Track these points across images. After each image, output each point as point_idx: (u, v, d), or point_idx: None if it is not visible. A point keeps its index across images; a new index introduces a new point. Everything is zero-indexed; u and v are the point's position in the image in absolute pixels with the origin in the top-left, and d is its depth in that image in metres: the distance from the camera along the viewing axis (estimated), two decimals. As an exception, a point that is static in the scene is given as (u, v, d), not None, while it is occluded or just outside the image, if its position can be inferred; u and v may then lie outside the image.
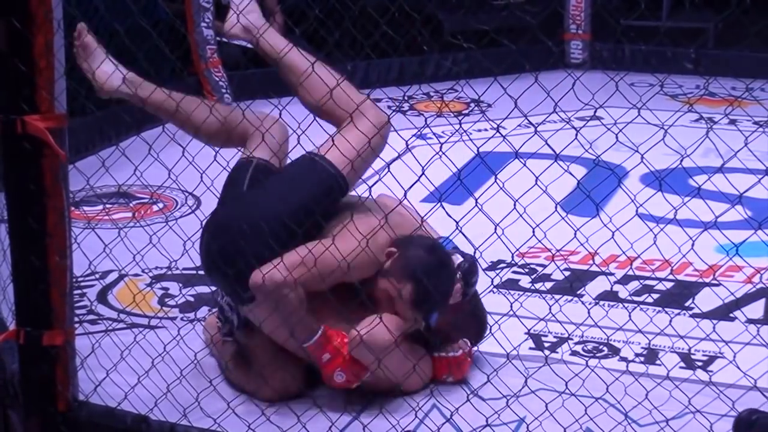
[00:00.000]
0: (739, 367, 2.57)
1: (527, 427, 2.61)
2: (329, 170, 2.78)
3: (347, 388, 2.72)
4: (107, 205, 4.08)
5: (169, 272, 3.46)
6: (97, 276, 3.49)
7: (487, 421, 2.56)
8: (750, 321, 3.21)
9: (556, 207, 2.76)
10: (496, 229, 2.68)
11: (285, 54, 2.90)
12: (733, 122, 4.76)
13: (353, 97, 2.82)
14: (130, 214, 4.13)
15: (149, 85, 3.02)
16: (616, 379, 2.76)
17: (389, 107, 5.56)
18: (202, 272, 3.37)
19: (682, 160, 2.79)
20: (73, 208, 2.65)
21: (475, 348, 2.96)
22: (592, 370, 2.83)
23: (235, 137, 2.97)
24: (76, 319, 2.75)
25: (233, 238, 2.71)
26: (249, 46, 5.94)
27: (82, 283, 3.46)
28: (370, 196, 2.68)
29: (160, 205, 4.34)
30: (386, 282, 2.74)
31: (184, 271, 3.43)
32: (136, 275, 3.47)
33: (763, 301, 3.37)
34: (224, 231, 2.76)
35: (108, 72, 2.99)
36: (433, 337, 2.84)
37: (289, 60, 2.92)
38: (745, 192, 2.39)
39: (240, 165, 2.93)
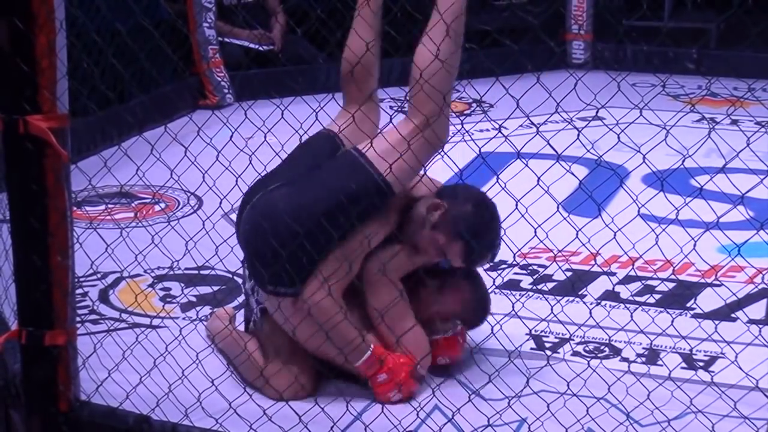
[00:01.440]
0: (740, 368, 2.57)
1: (529, 428, 2.60)
2: (375, 177, 2.71)
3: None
4: (109, 205, 4.08)
5: (171, 272, 3.46)
6: (99, 276, 3.49)
7: (488, 421, 2.56)
8: (751, 321, 3.21)
9: (558, 207, 2.75)
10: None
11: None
12: (735, 122, 4.75)
13: (436, 100, 2.70)
14: (132, 214, 4.14)
15: None
16: (618, 379, 2.77)
17: (391, 107, 5.56)
18: (204, 272, 3.39)
19: (683, 161, 2.78)
20: (75, 208, 2.65)
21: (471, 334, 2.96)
22: (594, 371, 2.83)
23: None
24: (78, 319, 2.75)
25: (274, 225, 2.69)
26: (252, 46, 5.93)
27: (84, 283, 3.46)
28: None
29: (162, 205, 4.34)
30: (436, 235, 2.78)
31: (186, 271, 3.43)
32: (138, 275, 3.47)
33: (764, 301, 3.37)
34: (268, 214, 2.73)
35: None
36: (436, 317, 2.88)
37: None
38: (747, 192, 2.39)
39: (320, 136, 2.92)
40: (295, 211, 2.68)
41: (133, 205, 4.30)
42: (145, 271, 3.46)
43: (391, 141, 2.67)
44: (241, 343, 2.85)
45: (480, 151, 2.74)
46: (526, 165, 2.74)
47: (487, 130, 4.93)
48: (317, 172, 2.78)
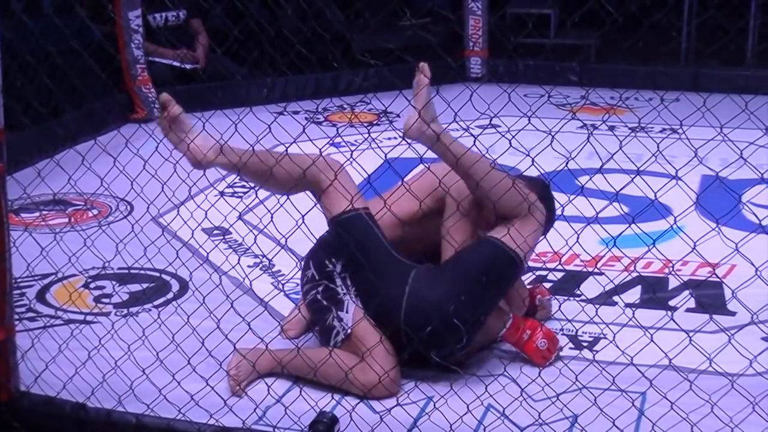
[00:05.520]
0: (618, 346, 2.63)
1: (434, 405, 2.63)
2: (515, 258, 2.78)
3: (551, 355, 2.86)
4: (44, 212, 4.02)
5: (104, 272, 3.42)
6: (37, 278, 3.44)
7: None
8: (628, 305, 3.29)
9: (457, 206, 2.80)
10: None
11: (462, 156, 2.77)
12: (611, 128, 4.85)
13: (520, 199, 2.80)
14: (66, 220, 4.08)
15: (239, 150, 2.81)
16: (512, 360, 2.82)
17: (306, 119, 5.58)
18: (134, 271, 3.36)
19: (567, 163, 2.84)
20: (11, 215, 2.61)
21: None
22: (492, 351, 2.87)
23: (307, 184, 2.86)
24: (16, 316, 2.71)
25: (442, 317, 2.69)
26: (176, 64, 5.88)
27: (22, 284, 3.41)
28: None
29: (95, 211, 4.29)
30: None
31: (118, 271, 3.40)
32: (73, 276, 3.42)
33: (638, 287, 3.45)
34: (429, 310, 2.70)
35: (205, 145, 2.78)
36: None
37: (466, 160, 2.79)
38: (620, 190, 2.45)
39: (358, 219, 2.82)
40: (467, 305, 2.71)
41: (67, 211, 4.24)
42: (79, 272, 3.42)
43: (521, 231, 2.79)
44: (332, 362, 2.71)
45: (386, 157, 2.77)
46: (428, 168, 2.78)
47: (394, 138, 4.96)
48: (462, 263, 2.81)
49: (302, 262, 3.01)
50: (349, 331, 2.75)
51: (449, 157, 2.79)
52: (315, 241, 2.96)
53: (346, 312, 2.78)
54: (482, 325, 2.78)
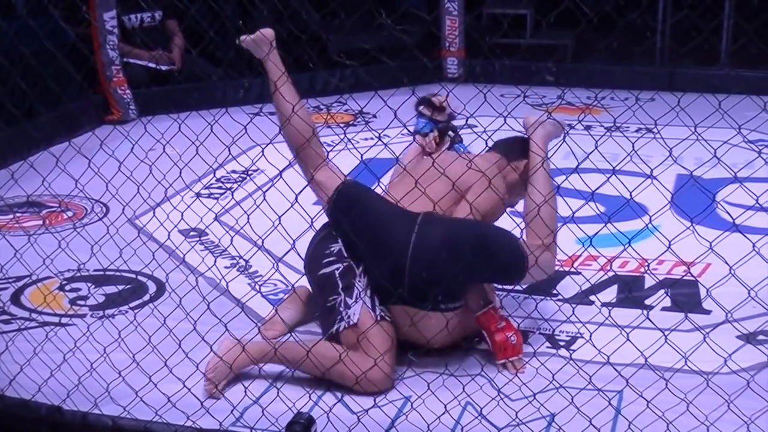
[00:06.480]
0: (594, 345, 2.63)
1: (411, 405, 2.63)
2: (523, 256, 2.81)
3: (512, 356, 2.84)
4: (18, 214, 3.99)
5: (79, 274, 3.40)
6: (11, 280, 3.42)
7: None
8: (604, 304, 3.30)
9: (434, 205, 2.81)
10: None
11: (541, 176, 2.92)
12: (588, 128, 4.87)
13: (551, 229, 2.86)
14: (41, 222, 4.05)
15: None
16: (489, 360, 2.83)
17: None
18: (110, 273, 3.34)
19: (543, 162, 2.86)
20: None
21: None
22: (469, 351, 2.88)
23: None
24: (-10, 319, 2.70)
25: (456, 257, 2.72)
26: (152, 65, 5.87)
27: (-4, 287, 3.39)
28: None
29: (71, 213, 4.27)
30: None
31: (94, 273, 3.38)
32: (48, 278, 3.40)
33: (615, 287, 3.47)
34: (442, 245, 2.75)
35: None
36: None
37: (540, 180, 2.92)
38: (596, 190, 2.46)
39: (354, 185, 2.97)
40: (474, 247, 2.73)
41: (42, 213, 4.21)
42: (54, 274, 3.40)
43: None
44: (329, 346, 2.75)
45: (362, 157, 2.77)
46: (404, 169, 2.78)
47: (371, 138, 4.96)
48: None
49: (317, 238, 3.00)
50: (355, 320, 2.75)
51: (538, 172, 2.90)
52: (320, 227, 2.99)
53: (355, 301, 2.78)
54: (471, 283, 2.79)
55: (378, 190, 2.97)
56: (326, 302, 2.84)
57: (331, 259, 2.88)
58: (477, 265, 2.72)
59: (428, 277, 2.71)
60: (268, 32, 3.04)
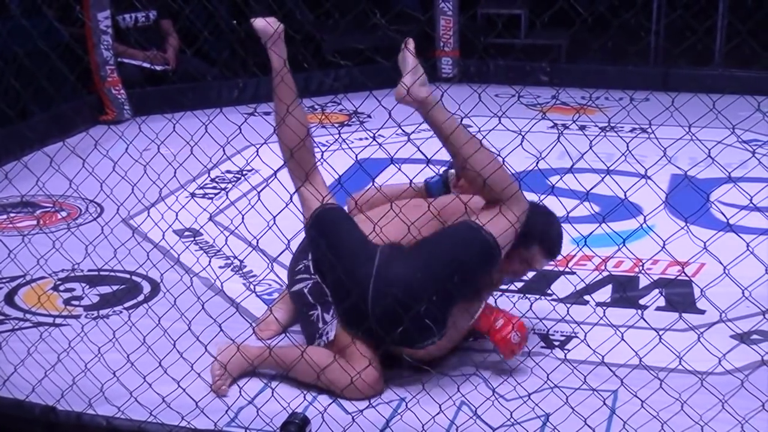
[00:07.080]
0: (589, 345, 2.63)
1: (406, 405, 2.63)
2: (491, 241, 2.72)
3: (514, 352, 2.83)
4: (12, 214, 3.98)
5: (73, 274, 3.40)
6: (5, 280, 3.41)
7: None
8: (599, 304, 3.30)
9: (429, 206, 2.80)
10: (374, 227, 2.72)
11: (451, 132, 2.73)
12: (582, 128, 4.88)
13: (509, 182, 2.75)
14: (35, 222, 4.05)
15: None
16: (485, 359, 2.83)
17: (276, 120, 5.56)
18: (104, 273, 3.33)
19: (537, 162, 2.85)
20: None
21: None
22: (464, 351, 2.87)
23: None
24: (-16, 320, 2.69)
25: (409, 296, 2.66)
26: (146, 65, 5.85)
27: (-10, 287, 3.38)
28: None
29: (65, 213, 4.26)
30: (517, 252, 2.84)
31: (88, 273, 3.38)
32: (42, 278, 3.39)
33: (609, 286, 3.47)
34: (400, 290, 2.68)
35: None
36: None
37: (456, 138, 2.75)
38: (590, 190, 2.46)
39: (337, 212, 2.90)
40: (434, 283, 2.67)
41: (36, 213, 4.21)
42: (48, 274, 3.39)
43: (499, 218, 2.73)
44: (322, 351, 2.76)
45: (357, 157, 2.76)
46: (399, 169, 2.78)
47: (366, 138, 4.96)
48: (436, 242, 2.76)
49: (297, 251, 3.02)
50: (332, 337, 2.76)
51: (442, 128, 2.74)
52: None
53: (332, 317, 2.79)
54: (452, 306, 2.74)
55: (371, 192, 2.96)
56: (306, 315, 2.86)
57: (303, 276, 2.92)
58: (454, 286, 2.70)
59: (393, 318, 2.67)
60: (272, 20, 3.04)
